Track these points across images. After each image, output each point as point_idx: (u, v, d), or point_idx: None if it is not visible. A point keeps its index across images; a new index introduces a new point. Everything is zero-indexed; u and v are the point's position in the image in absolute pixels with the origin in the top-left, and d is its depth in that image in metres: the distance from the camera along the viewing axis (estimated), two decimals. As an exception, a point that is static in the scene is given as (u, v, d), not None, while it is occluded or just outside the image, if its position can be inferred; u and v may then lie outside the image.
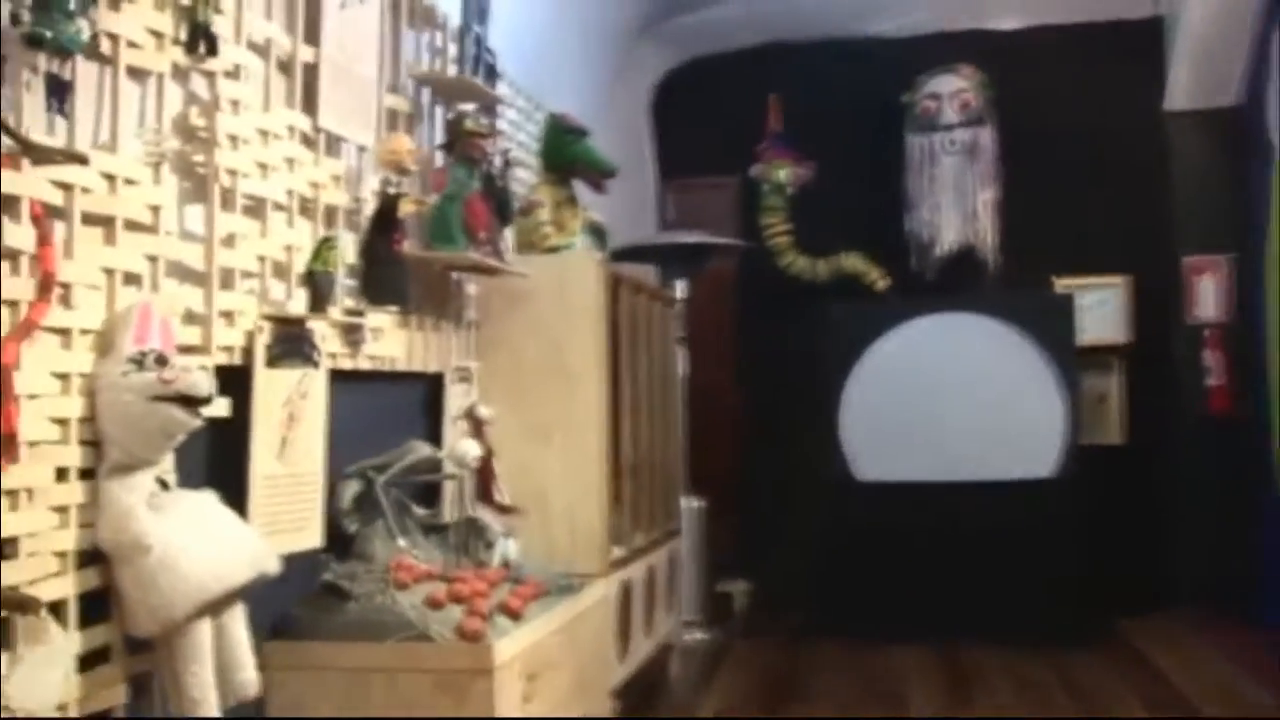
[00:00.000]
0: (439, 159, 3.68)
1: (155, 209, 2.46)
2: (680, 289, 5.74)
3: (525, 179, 4.53)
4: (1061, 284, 6.08)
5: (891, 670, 4.97)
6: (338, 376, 3.11)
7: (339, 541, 3.17)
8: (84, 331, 2.24)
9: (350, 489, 3.18)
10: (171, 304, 2.48)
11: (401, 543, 3.09)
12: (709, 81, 6.69)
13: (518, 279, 3.98)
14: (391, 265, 3.18)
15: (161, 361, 2.24)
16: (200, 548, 2.28)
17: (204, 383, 2.27)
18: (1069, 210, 6.15)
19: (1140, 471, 6.03)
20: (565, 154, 4.29)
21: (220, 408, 2.61)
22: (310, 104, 3.03)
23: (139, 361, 2.23)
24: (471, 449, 3.36)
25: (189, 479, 2.51)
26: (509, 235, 4.05)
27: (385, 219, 3.15)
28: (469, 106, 3.80)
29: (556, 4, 5.15)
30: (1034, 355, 5.52)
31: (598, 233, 4.46)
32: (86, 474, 2.23)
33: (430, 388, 3.76)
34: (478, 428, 3.74)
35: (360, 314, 3.20)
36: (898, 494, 5.61)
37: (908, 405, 5.68)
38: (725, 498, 6.15)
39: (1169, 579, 5.96)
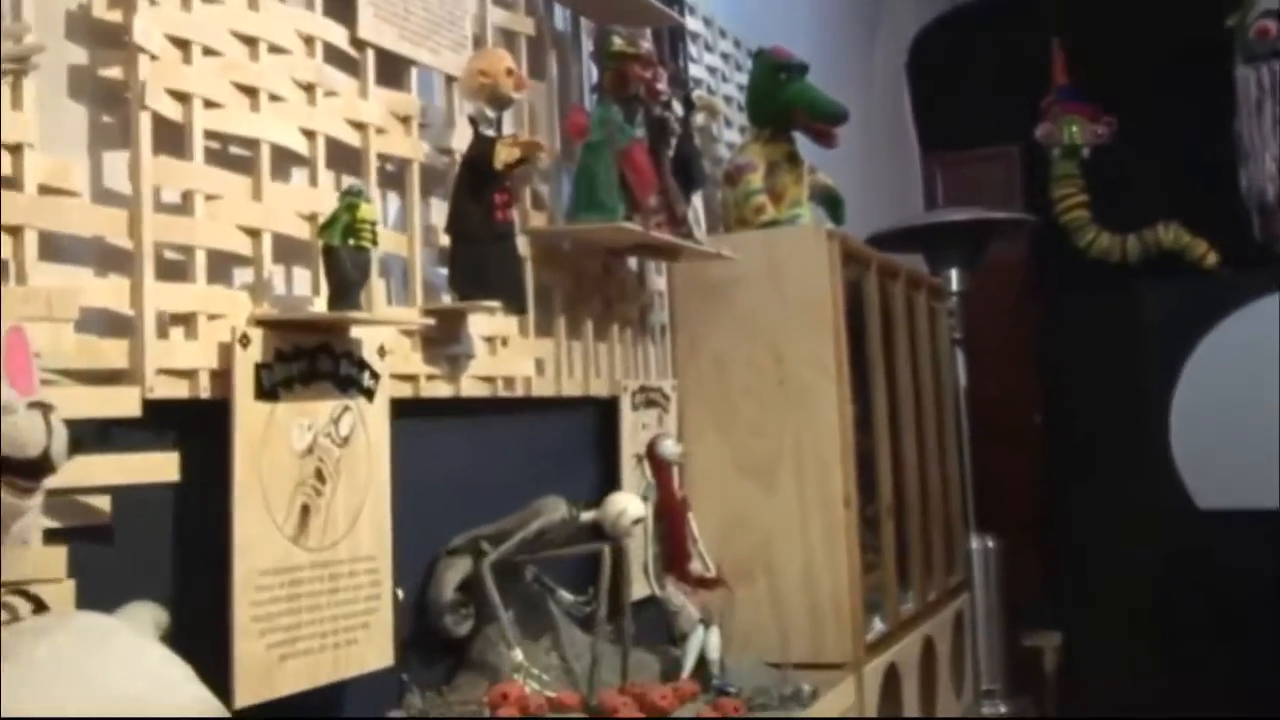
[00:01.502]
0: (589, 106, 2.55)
1: (15, 149, 1.42)
2: (955, 280, 4.44)
3: (734, 142, 3.35)
4: None
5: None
6: (421, 408, 2.03)
7: (443, 648, 2.08)
8: None
9: (455, 571, 2.08)
10: (52, 303, 1.43)
11: (517, 655, 1.94)
12: (974, 32, 5.35)
13: (721, 265, 2.81)
14: (492, 243, 2.05)
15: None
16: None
17: (30, 434, 1.20)
18: None
19: None
20: (778, 98, 3.08)
21: (161, 468, 1.56)
22: (348, 4, 1.95)
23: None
24: (631, 506, 2.19)
25: (116, 590, 1.46)
26: (699, 205, 2.87)
27: (478, 175, 2.03)
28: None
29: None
30: None
31: (831, 201, 3.24)
32: None
33: (598, 417, 2.62)
34: (662, 471, 2.58)
35: (459, 313, 2.10)
36: (1251, 526, 4.16)
37: (1258, 411, 4.22)
38: (1026, 536, 4.79)
39: None
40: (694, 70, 3.24)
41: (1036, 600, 4.82)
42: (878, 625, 2.99)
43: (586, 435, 2.59)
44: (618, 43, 2.40)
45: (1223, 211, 4.79)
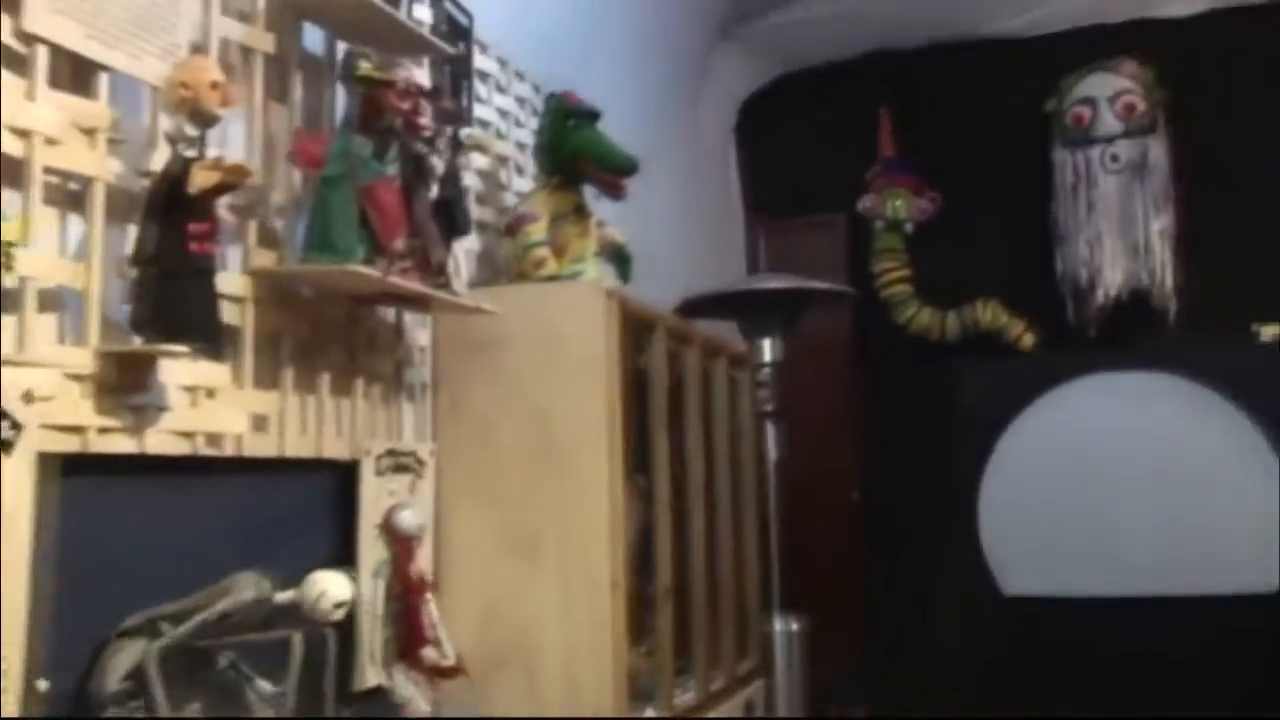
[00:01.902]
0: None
1: None
2: (768, 349, 4.25)
3: (525, 191, 3.12)
4: (1269, 333, 4.41)
5: None
6: (100, 466, 1.73)
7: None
8: None
9: (126, 656, 1.77)
10: None
11: (175, 763, 1.65)
12: (805, 98, 5.23)
13: (489, 320, 2.57)
14: (185, 278, 1.77)
15: None
16: None
17: None
18: (1270, 239, 4.50)
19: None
20: (566, 145, 2.86)
21: None
22: (12, -6, 1.66)
23: None
24: (333, 587, 1.91)
25: None
26: (462, 253, 2.62)
27: (172, 200, 1.76)
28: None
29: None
30: (1244, 426, 3.90)
31: (620, 258, 3.02)
32: None
33: (337, 482, 2.34)
34: (399, 544, 2.30)
35: (147, 357, 1.81)
36: (1057, 614, 4.03)
37: (1068, 495, 4.11)
38: (839, 616, 4.61)
39: None
40: (482, 111, 3.01)
41: (847, 682, 4.63)
42: (650, 715, 2.74)
43: (319, 502, 2.30)
44: (365, 66, 2.15)
45: (1041, 292, 4.72)
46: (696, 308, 4.20)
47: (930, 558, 4.60)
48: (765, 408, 4.14)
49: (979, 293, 4.83)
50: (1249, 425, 3.94)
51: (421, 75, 2.64)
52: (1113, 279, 4.54)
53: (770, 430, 4.15)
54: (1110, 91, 4.61)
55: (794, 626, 4.13)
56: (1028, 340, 4.71)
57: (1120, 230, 4.55)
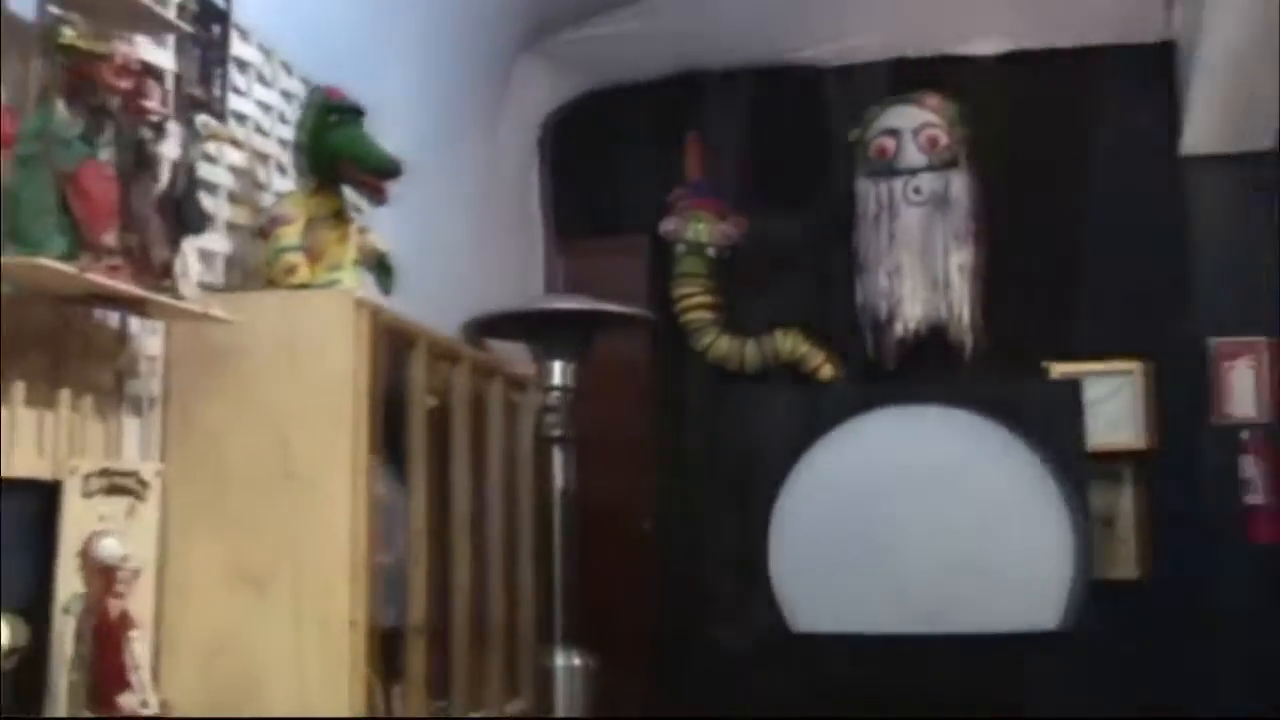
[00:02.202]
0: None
1: None
2: (560, 373, 4.06)
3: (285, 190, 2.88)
4: (1059, 370, 4.41)
5: None
6: None
7: None
8: None
9: None
10: None
11: None
12: (611, 116, 5.07)
13: (226, 330, 2.32)
14: None
15: None
16: None
17: None
18: (1065, 277, 4.51)
19: (1165, 619, 4.29)
20: (326, 144, 2.64)
21: None
22: None
23: None
24: (-11, 629, 1.65)
25: None
26: (191, 255, 2.36)
27: None
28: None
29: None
30: (1032, 462, 3.87)
31: (382, 267, 2.80)
32: None
33: (35, 504, 2.06)
34: (98, 577, 2.03)
35: None
36: (846, 652, 3.93)
37: (857, 530, 4.03)
38: (632, 651, 4.45)
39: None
40: (240, 104, 2.77)
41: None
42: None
43: (9, 528, 2.02)
44: (69, 34, 1.90)
45: (843, 324, 4.65)
46: (486, 328, 4.02)
47: (722, 593, 4.46)
48: (553, 433, 3.96)
49: (783, 321, 4.74)
50: (1037, 462, 3.92)
51: (163, 56, 2.41)
52: (912, 312, 4.49)
53: (558, 457, 3.97)
54: (914, 124, 4.58)
55: (576, 662, 3.95)
56: (826, 371, 4.63)
57: (920, 264, 4.51)
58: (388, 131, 2.78)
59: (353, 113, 2.66)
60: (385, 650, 2.54)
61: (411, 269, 2.93)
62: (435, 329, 2.88)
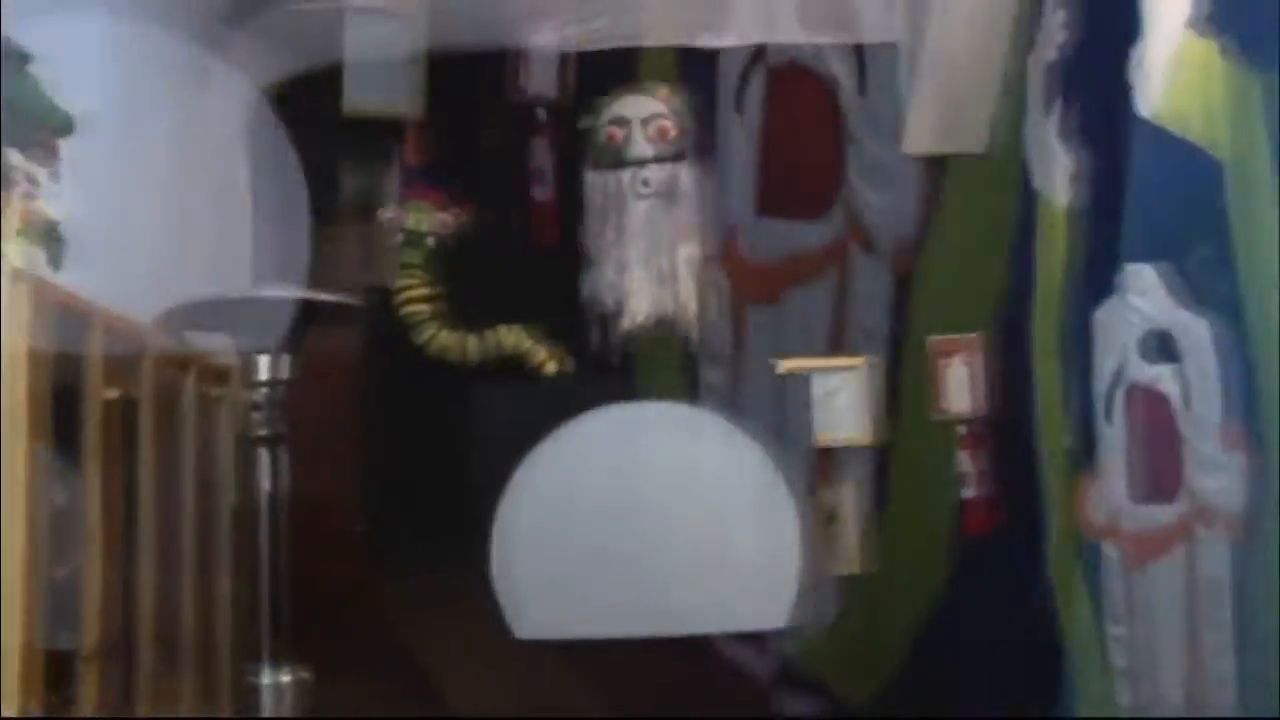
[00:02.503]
0: None
1: None
2: (266, 367, 3.76)
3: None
4: (786, 366, 4.40)
5: None
6: None
7: None
8: None
9: None
10: None
11: None
12: (332, 97, 4.79)
13: None
14: None
15: None
16: None
17: None
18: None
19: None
20: (-16, 93, 2.31)
21: None
22: None
23: None
24: None
25: None
26: None
27: None
28: None
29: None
30: (761, 459, 3.83)
31: (51, 239, 2.46)
32: None
33: None
34: None
35: None
36: (570, 658, 3.80)
37: (587, 531, 3.90)
38: (350, 662, 4.18)
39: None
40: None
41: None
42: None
43: None
44: None
45: (571, 318, 4.53)
46: (187, 317, 3.69)
47: (442, 598, 4.26)
48: (259, 432, 3.66)
49: (512, 315, 4.58)
50: (766, 458, 3.89)
51: None
52: (639, 306, 4.41)
53: (265, 458, 3.68)
54: (644, 114, 4.50)
55: (285, 678, 3.67)
56: (551, 367, 4.50)
57: (648, 257, 4.44)
58: (64, 84, 2.46)
59: (20, 58, 2.32)
60: (56, 678, 2.22)
61: (97, 246, 2.63)
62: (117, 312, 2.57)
